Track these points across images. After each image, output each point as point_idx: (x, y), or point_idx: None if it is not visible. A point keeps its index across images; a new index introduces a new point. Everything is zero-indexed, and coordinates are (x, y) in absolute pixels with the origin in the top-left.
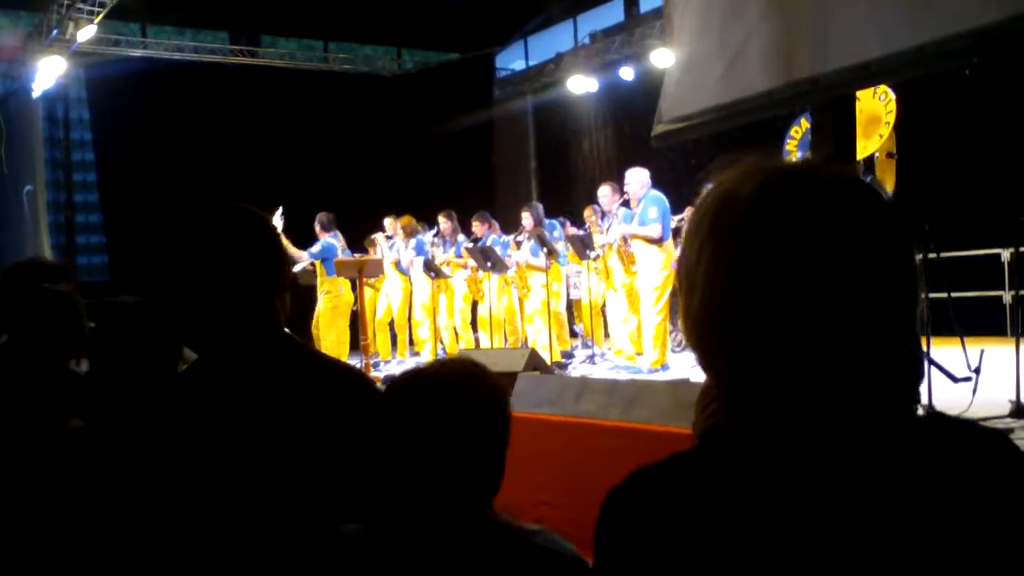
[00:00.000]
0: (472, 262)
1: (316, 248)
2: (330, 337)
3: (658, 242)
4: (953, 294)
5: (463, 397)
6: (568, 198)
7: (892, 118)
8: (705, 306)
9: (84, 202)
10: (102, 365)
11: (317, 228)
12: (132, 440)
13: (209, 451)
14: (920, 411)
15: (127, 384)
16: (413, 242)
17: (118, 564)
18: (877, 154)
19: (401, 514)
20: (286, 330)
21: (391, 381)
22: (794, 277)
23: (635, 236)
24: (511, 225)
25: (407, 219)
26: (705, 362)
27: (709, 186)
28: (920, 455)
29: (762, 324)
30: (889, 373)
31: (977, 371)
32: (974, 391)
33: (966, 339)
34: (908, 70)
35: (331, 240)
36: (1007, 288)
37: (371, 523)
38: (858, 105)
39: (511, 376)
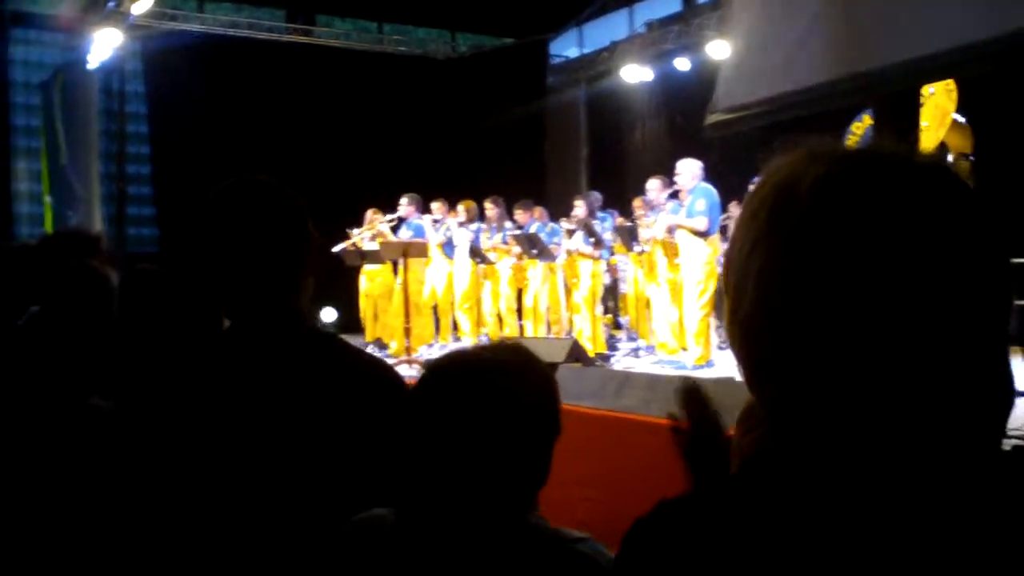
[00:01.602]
0: (517, 249)
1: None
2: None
3: (704, 235)
4: None
5: (509, 385)
6: (619, 188)
7: (950, 117)
8: (756, 309)
9: (137, 174)
10: (129, 337)
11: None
12: (146, 418)
13: (223, 434)
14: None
15: (153, 358)
16: (473, 227)
17: (127, 550)
18: (951, 156)
19: (437, 511)
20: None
21: (430, 364)
22: (867, 278)
23: (681, 227)
24: (561, 214)
25: (470, 203)
26: (751, 376)
27: (764, 173)
28: (1006, 500)
29: (826, 333)
30: (974, 399)
31: None
32: None
33: None
34: (979, 64)
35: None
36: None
37: (404, 513)
38: (932, 100)
39: (552, 367)
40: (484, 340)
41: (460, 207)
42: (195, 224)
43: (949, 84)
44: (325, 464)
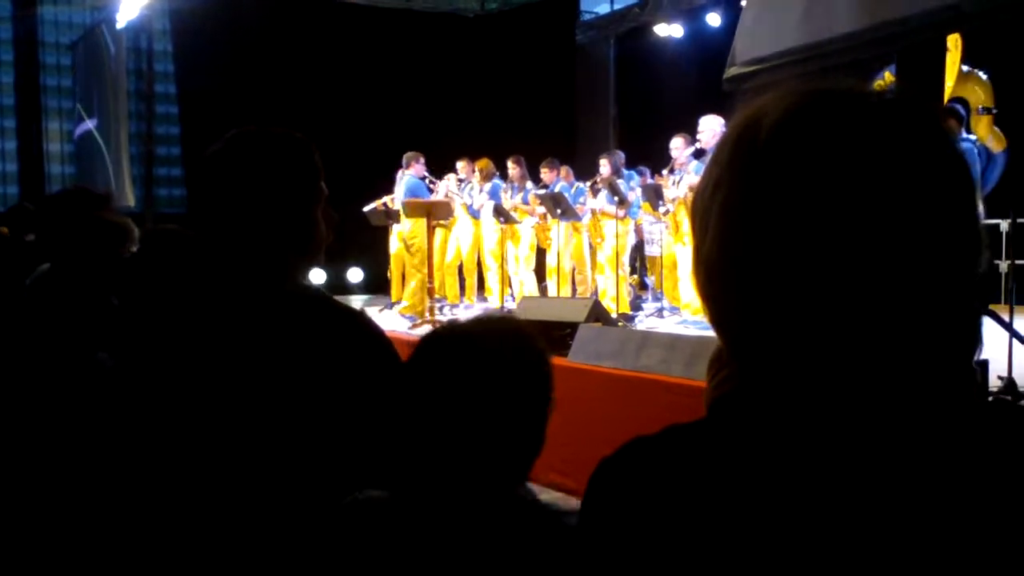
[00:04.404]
0: (541, 208)
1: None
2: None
3: None
4: None
5: (499, 358)
6: (648, 146)
7: (955, 67)
8: (716, 249)
9: (166, 134)
10: (144, 295)
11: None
12: (140, 376)
13: (207, 392)
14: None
15: (159, 317)
16: (488, 186)
17: (120, 508)
18: (973, 110)
19: (429, 485)
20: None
21: (422, 339)
22: (824, 215)
23: None
24: (589, 173)
25: (485, 162)
26: (713, 317)
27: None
28: (972, 443)
29: (782, 272)
30: (930, 341)
31: None
32: None
33: None
34: (1004, 12)
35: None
36: (1004, 257)
37: (396, 488)
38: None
39: (572, 326)
40: (509, 300)
41: (471, 166)
42: (196, 174)
43: (955, 36)
44: (309, 419)
